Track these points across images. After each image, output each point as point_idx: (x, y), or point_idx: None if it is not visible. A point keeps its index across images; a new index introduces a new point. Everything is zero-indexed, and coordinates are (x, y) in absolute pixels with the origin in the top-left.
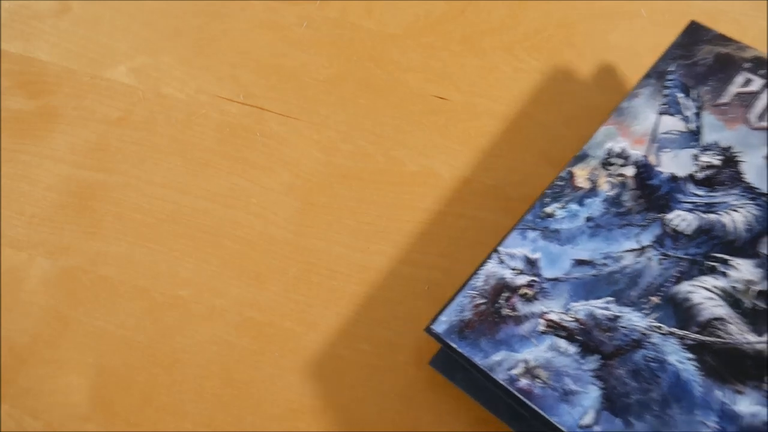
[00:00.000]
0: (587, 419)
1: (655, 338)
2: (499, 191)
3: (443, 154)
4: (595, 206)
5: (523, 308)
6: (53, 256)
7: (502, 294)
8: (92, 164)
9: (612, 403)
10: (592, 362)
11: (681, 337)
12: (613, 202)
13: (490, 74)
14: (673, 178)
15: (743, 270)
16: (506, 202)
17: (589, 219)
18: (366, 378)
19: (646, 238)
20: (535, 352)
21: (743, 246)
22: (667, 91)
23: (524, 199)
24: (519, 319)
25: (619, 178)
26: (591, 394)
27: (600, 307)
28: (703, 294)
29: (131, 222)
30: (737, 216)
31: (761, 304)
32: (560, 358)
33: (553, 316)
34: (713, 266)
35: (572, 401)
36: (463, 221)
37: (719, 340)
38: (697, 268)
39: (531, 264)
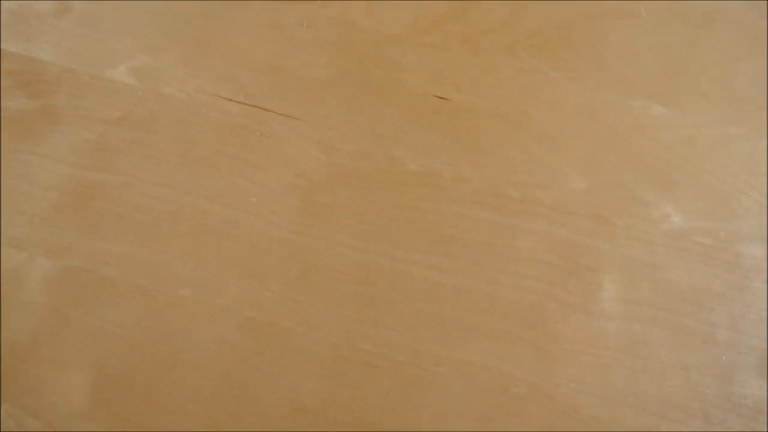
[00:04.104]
0: None
1: None
2: (499, 191)
3: (443, 154)
4: None
5: None
6: (53, 255)
7: None
8: (92, 164)
9: None
10: None
11: None
12: None
13: (490, 74)
14: None
15: None
16: (506, 202)
17: None
18: (366, 378)
19: None
20: None
21: None
22: None
23: (524, 199)
24: None
25: None
26: None
27: None
28: None
29: (131, 222)
30: None
31: None
32: None
33: None
34: None
35: None
36: (463, 221)
37: None
38: None
39: None
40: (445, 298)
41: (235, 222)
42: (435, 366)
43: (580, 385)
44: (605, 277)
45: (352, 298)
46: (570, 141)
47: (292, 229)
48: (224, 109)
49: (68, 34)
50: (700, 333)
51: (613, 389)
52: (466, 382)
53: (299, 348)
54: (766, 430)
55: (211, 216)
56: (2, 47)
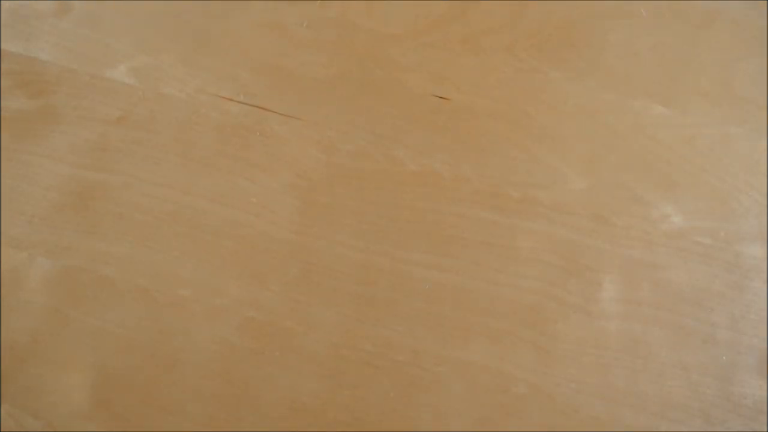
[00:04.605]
0: None
1: None
2: (499, 191)
3: (443, 154)
4: None
5: None
6: (53, 255)
7: None
8: (92, 164)
9: None
10: None
11: None
12: None
13: (490, 74)
14: None
15: None
16: (506, 202)
17: None
18: (366, 378)
19: None
20: None
21: None
22: None
23: (524, 199)
24: None
25: None
26: None
27: None
28: None
29: (131, 222)
30: None
31: None
32: None
33: None
34: None
35: None
36: (463, 221)
37: None
38: None
39: None
40: (445, 298)
41: (235, 222)
42: (435, 366)
43: (580, 385)
44: (605, 277)
45: (352, 298)
46: (570, 141)
47: (292, 229)
48: (224, 109)
49: (68, 34)
50: (700, 333)
51: (613, 389)
52: (466, 382)
53: (299, 348)
54: (766, 430)
55: (211, 216)
56: (2, 47)
